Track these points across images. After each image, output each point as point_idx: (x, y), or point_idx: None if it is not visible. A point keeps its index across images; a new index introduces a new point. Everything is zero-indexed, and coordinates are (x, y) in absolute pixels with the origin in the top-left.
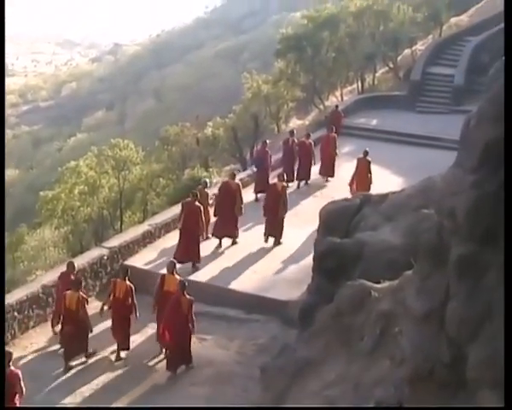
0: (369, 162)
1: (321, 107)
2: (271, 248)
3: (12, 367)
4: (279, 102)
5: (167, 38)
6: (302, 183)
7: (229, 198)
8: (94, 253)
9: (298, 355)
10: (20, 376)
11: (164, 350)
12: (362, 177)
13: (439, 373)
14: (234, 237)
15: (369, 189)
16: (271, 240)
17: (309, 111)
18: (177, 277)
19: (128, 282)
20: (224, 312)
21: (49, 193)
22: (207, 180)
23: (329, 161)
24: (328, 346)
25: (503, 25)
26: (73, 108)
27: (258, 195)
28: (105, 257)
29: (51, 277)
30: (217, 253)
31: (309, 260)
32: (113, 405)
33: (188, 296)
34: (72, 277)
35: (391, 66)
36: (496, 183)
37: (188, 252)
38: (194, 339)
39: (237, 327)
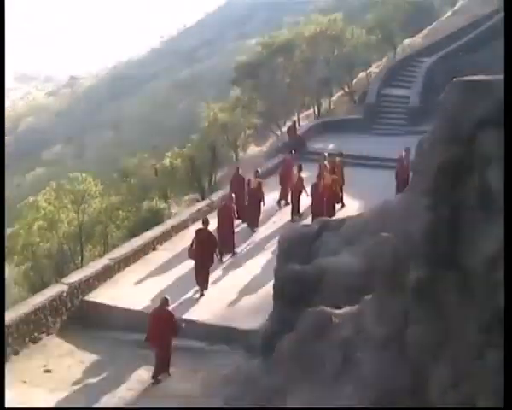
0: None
1: (278, 133)
2: (232, 277)
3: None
4: (236, 129)
5: (123, 69)
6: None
7: (205, 244)
8: (53, 289)
9: (261, 384)
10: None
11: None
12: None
13: (401, 397)
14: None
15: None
16: None
17: (267, 137)
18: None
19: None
20: (187, 344)
21: (8, 230)
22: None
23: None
24: (290, 374)
25: (455, 45)
26: (31, 142)
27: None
28: (64, 293)
29: (11, 315)
30: (176, 284)
31: (270, 288)
32: None
33: (168, 310)
34: None
35: (346, 89)
36: (450, 205)
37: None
38: None
39: (201, 359)
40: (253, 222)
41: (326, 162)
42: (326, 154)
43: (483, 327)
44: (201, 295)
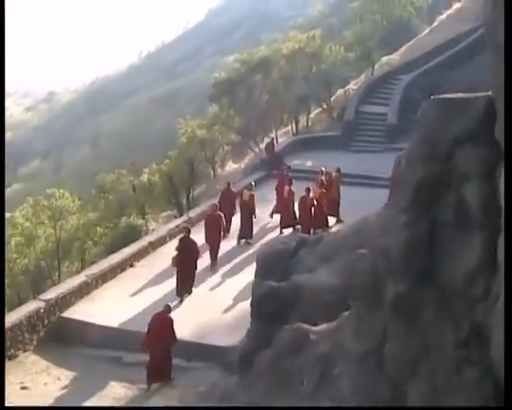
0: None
1: (256, 150)
2: (211, 293)
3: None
4: (214, 146)
5: (102, 84)
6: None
7: (187, 253)
8: (30, 306)
9: (238, 401)
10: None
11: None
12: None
13: None
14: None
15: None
16: None
17: (244, 154)
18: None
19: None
20: None
21: None
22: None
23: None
24: (268, 391)
25: (433, 62)
26: (9, 158)
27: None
28: (41, 310)
29: None
30: (153, 301)
31: (247, 305)
32: None
33: (169, 316)
34: None
35: (324, 106)
36: (427, 221)
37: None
38: (135, 390)
39: (178, 375)
40: (247, 233)
41: (323, 177)
42: (323, 168)
43: (461, 342)
44: (182, 301)
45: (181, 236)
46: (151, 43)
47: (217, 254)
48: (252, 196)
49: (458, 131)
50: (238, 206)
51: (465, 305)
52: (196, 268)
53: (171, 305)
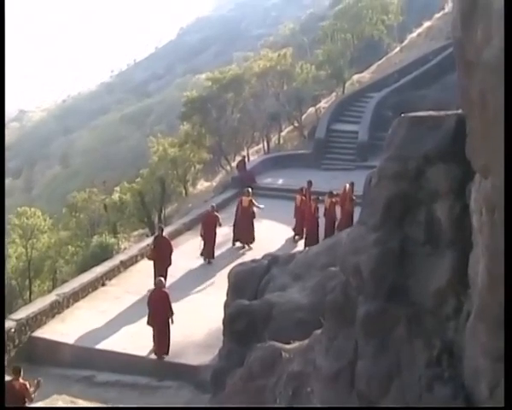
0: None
1: (228, 168)
2: (182, 312)
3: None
4: (186, 164)
5: (73, 103)
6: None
7: (161, 248)
8: None
9: None
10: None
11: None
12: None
13: None
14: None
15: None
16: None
17: (216, 172)
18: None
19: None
20: (135, 380)
21: None
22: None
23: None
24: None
25: (404, 80)
26: None
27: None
28: (12, 330)
29: None
30: (125, 320)
31: (219, 324)
32: None
33: (164, 290)
34: None
35: (296, 124)
36: (398, 239)
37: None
38: None
39: (150, 395)
40: (248, 238)
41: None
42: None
43: (432, 360)
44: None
45: (156, 234)
46: (122, 61)
47: (213, 249)
48: (251, 202)
49: (429, 149)
50: (238, 213)
51: (436, 323)
52: (171, 263)
53: (141, 325)
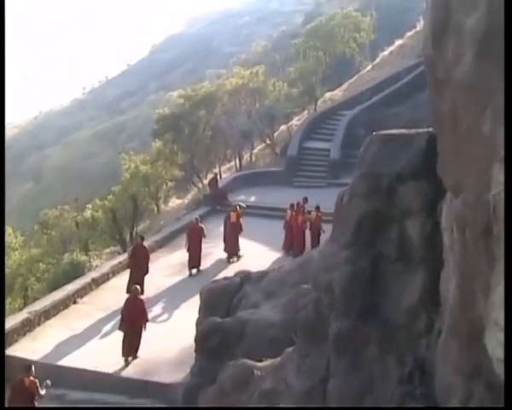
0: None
1: (200, 185)
2: (154, 329)
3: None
4: (158, 181)
5: (45, 119)
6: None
7: (139, 256)
8: None
9: None
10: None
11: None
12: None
13: None
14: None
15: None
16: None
17: (188, 190)
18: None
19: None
20: (105, 399)
21: None
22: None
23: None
24: None
25: (376, 98)
26: None
27: (193, 270)
28: None
29: None
30: (96, 337)
31: (192, 341)
32: None
33: (140, 298)
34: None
35: (268, 142)
36: (370, 257)
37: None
38: None
39: None
40: (234, 250)
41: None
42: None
43: (404, 377)
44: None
45: (134, 243)
46: (94, 78)
47: (200, 259)
48: (239, 216)
49: (400, 167)
50: (227, 227)
51: (408, 340)
52: (147, 271)
53: (113, 342)
